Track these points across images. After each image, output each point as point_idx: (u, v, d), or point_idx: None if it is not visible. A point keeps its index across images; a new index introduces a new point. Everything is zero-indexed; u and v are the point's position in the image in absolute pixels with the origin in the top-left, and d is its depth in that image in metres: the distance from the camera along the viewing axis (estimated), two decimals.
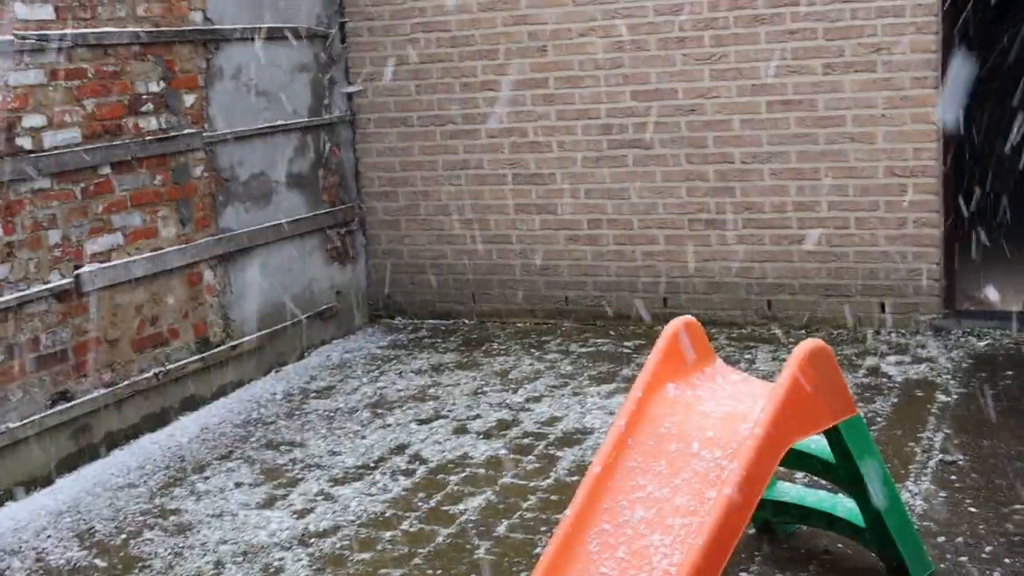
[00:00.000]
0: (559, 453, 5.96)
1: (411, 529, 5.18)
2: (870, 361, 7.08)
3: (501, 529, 5.11)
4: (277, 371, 7.75)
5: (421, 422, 6.58)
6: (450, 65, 8.47)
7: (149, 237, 6.85)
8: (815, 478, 5.20)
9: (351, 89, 8.70)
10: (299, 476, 5.91)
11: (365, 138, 8.81)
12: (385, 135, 8.75)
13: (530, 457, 5.93)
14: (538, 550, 4.82)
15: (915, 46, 7.37)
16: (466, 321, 8.67)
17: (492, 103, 8.41)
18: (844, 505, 4.54)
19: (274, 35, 7.86)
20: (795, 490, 4.72)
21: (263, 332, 7.70)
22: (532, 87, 8.29)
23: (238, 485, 5.84)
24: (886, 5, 7.39)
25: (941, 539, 4.74)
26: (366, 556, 4.95)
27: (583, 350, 7.76)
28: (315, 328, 8.23)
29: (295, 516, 5.41)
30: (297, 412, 6.91)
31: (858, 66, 7.51)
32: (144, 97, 6.82)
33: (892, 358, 7.12)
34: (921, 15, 7.33)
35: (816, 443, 4.36)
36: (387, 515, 5.35)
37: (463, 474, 5.77)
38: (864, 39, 7.46)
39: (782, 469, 4.93)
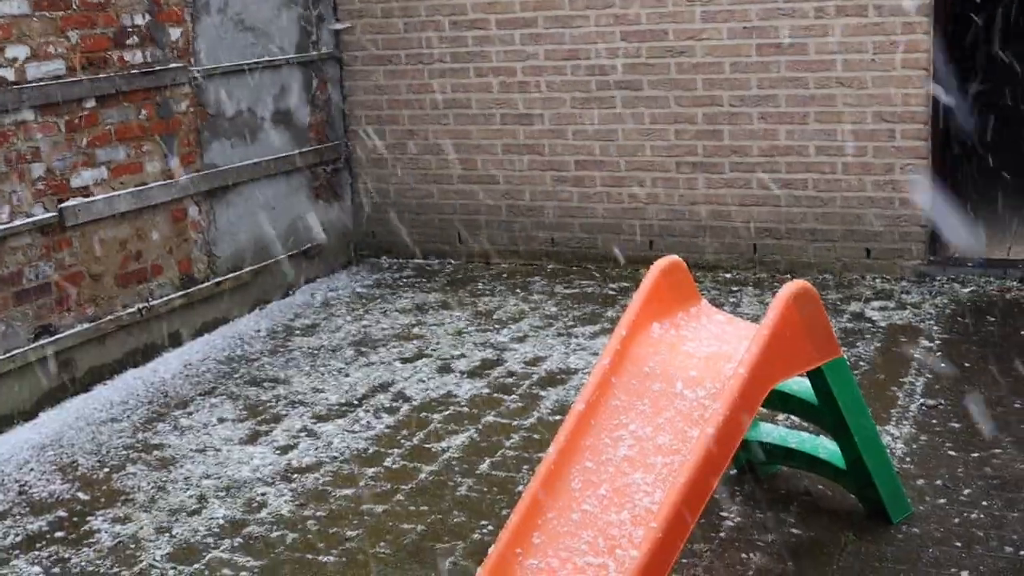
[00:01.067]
0: (542, 393, 5.97)
1: (394, 466, 5.20)
2: (854, 306, 7.09)
3: (483, 467, 5.12)
4: (261, 308, 7.73)
5: (405, 360, 6.58)
6: (438, 3, 8.39)
7: (134, 172, 6.80)
8: (797, 419, 5.23)
9: (338, 26, 8.62)
10: (282, 412, 5.91)
11: (352, 76, 8.74)
12: (372, 73, 8.68)
13: (513, 396, 5.94)
14: (520, 488, 4.84)
15: None
16: (451, 261, 8.66)
17: (481, 42, 8.35)
18: (825, 447, 4.56)
19: None
20: (777, 431, 4.74)
21: (248, 269, 7.67)
22: (521, 26, 8.22)
23: (221, 421, 5.85)
24: None
25: (920, 482, 4.77)
26: (348, 492, 4.96)
27: (568, 291, 7.76)
28: (300, 266, 8.20)
29: (278, 452, 5.42)
30: (281, 349, 6.91)
31: (849, 10, 7.46)
32: (129, 30, 6.75)
33: (876, 303, 7.13)
34: None
35: (799, 384, 4.37)
36: (370, 452, 5.36)
37: (446, 412, 5.78)
38: None
39: (764, 410, 4.95)
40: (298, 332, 7.22)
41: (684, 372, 3.96)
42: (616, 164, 8.18)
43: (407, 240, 8.78)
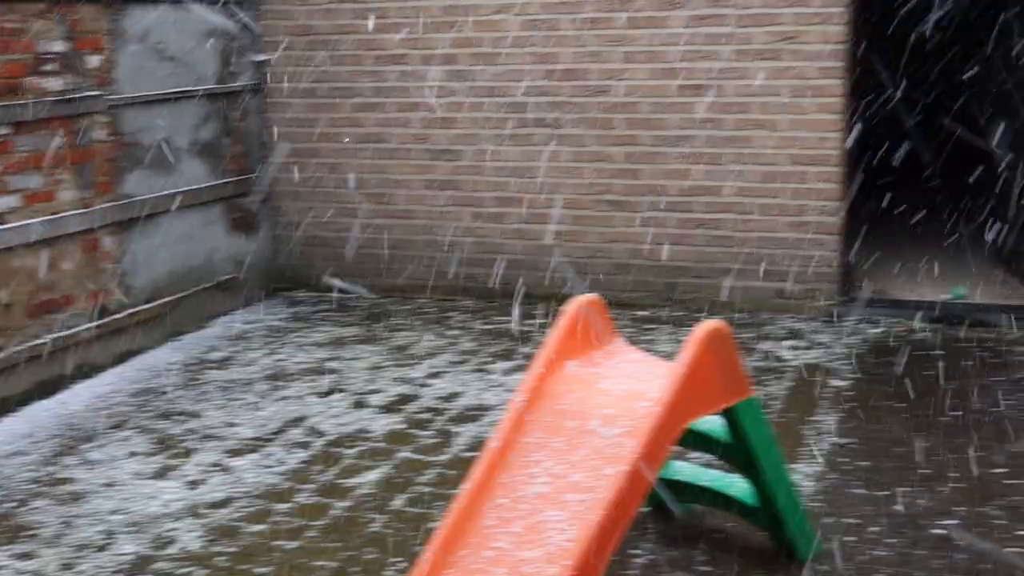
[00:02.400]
0: (457, 429, 5.96)
1: (306, 502, 5.15)
2: (767, 345, 7.18)
3: (397, 503, 5.10)
4: (176, 341, 7.64)
5: (320, 395, 6.54)
6: (363, 37, 8.40)
7: (48, 200, 6.70)
8: (709, 457, 5.27)
9: (260, 57, 8.59)
10: (194, 447, 5.84)
11: (273, 108, 8.70)
12: (293, 105, 8.66)
13: (428, 432, 5.93)
14: (433, 524, 4.82)
15: (823, 36, 7.47)
16: (370, 296, 8.63)
17: (403, 77, 8.36)
18: (737, 485, 4.60)
19: None
20: (689, 469, 4.78)
21: (162, 301, 7.59)
22: (443, 63, 8.25)
23: (131, 455, 5.76)
24: None
25: (829, 519, 4.83)
26: (260, 528, 4.91)
27: (485, 327, 7.77)
28: (216, 298, 8.13)
29: (188, 487, 5.35)
30: (194, 382, 6.83)
31: (766, 54, 7.59)
32: (47, 56, 6.67)
33: (788, 343, 7.23)
34: (830, 6, 7.42)
35: (712, 423, 4.41)
36: (282, 487, 5.31)
37: (360, 448, 5.75)
38: (774, 27, 7.55)
39: (677, 448, 4.99)
40: (212, 365, 7.14)
41: (599, 410, 3.98)
42: (535, 201, 8.22)
43: (325, 273, 8.74)
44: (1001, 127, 8.64)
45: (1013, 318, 7.45)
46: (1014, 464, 5.37)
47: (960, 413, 6.03)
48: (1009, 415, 5.98)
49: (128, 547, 4.77)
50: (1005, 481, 5.20)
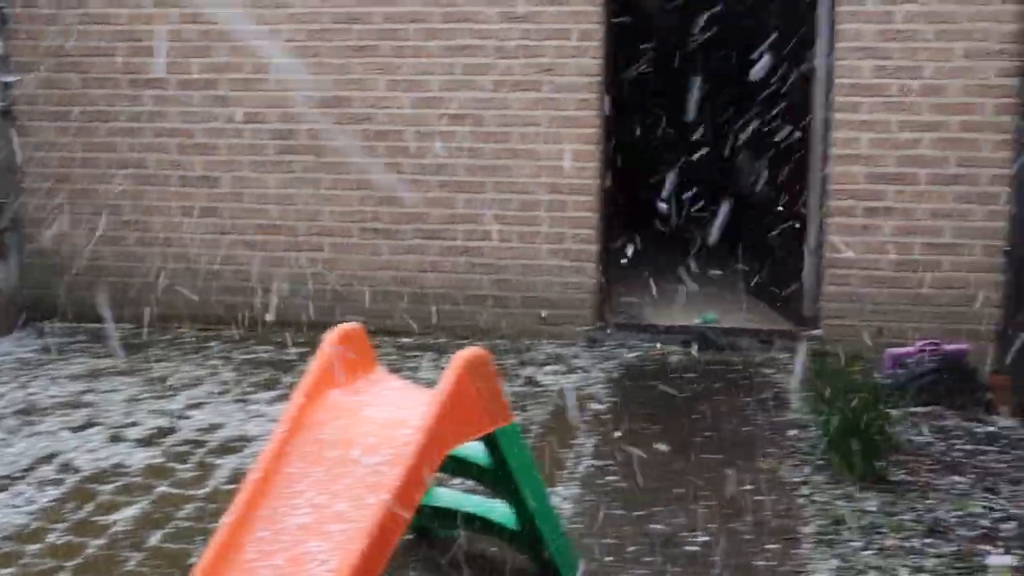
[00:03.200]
0: (218, 461, 5.85)
1: (58, 542, 4.96)
2: (528, 371, 7.31)
3: (155, 539, 4.96)
4: None
5: (74, 430, 6.31)
6: (117, 60, 8.19)
7: None
8: (472, 483, 5.32)
9: (9, 79, 8.26)
10: None
11: (23, 131, 8.38)
12: (45, 129, 8.36)
13: (188, 465, 5.80)
14: (193, 560, 4.72)
15: (579, 69, 7.68)
16: (126, 326, 8.39)
17: (159, 102, 8.19)
18: (499, 510, 4.66)
19: None
20: (452, 495, 4.82)
21: None
22: (202, 88, 8.12)
23: None
24: (554, 28, 7.67)
25: (588, 540, 4.95)
26: (7, 572, 4.70)
27: (246, 357, 7.66)
28: None
29: None
30: None
31: (525, 84, 7.76)
32: None
33: (549, 368, 7.38)
34: (586, 40, 7.65)
35: (473, 449, 4.46)
36: (32, 528, 5.10)
37: (117, 483, 5.57)
38: (532, 60, 7.72)
39: (440, 475, 5.02)
40: None
41: (361, 439, 3.98)
42: (296, 229, 8.16)
43: (79, 303, 8.45)
44: (745, 160, 9.06)
45: (758, 341, 7.80)
46: (761, 481, 5.62)
47: (711, 433, 6.27)
48: (756, 434, 6.26)
49: None
50: (755, 497, 5.43)
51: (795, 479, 5.62)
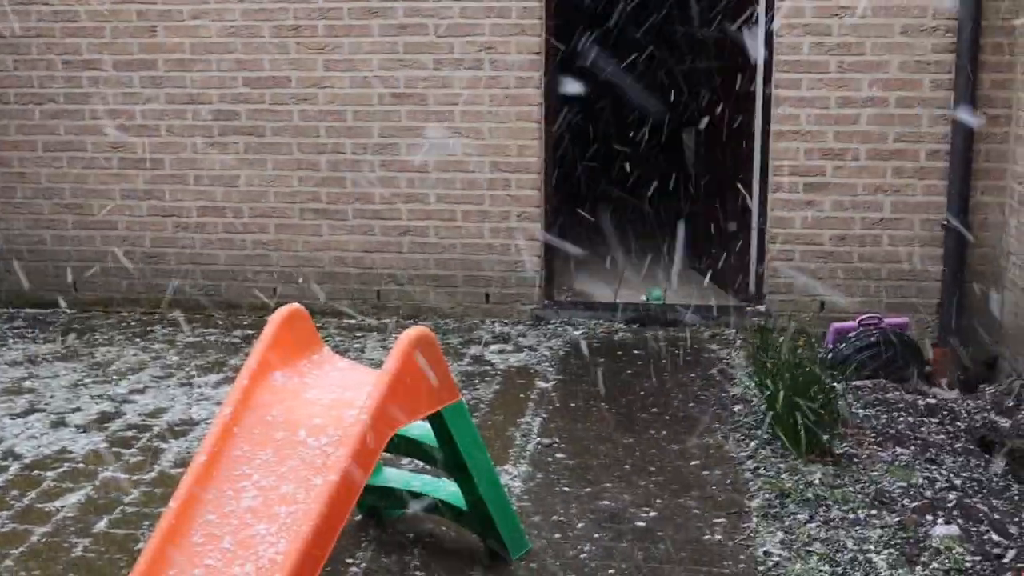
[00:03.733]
0: (164, 445, 5.81)
1: (2, 529, 4.90)
2: (474, 350, 7.31)
3: (101, 525, 4.92)
4: None
5: (15, 416, 6.24)
6: (52, 41, 8.07)
7: None
8: (420, 463, 5.33)
9: None
10: None
11: None
12: None
13: (133, 450, 5.75)
14: (140, 545, 4.69)
15: (520, 47, 7.67)
16: (67, 310, 8.29)
17: (97, 83, 8.08)
18: (447, 489, 4.67)
19: None
20: (400, 475, 4.82)
21: None
22: (141, 68, 8.02)
23: None
24: (494, 6, 7.65)
25: (537, 518, 4.96)
26: None
27: (191, 340, 7.60)
28: None
29: None
30: None
31: (467, 63, 7.73)
32: None
33: (495, 347, 7.39)
34: (527, 18, 7.63)
35: (420, 428, 4.46)
36: None
37: (61, 469, 5.51)
38: (473, 38, 7.69)
39: (388, 455, 5.02)
40: None
41: (307, 420, 3.97)
42: (239, 210, 8.10)
43: (17, 288, 8.34)
44: (694, 136, 9.10)
45: (703, 317, 7.85)
46: (707, 456, 5.66)
47: (658, 409, 6.31)
48: (703, 410, 6.31)
49: None
50: (702, 473, 5.47)
51: (741, 453, 5.67)
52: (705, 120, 8.67)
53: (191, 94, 8.01)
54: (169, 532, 3.80)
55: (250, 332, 7.69)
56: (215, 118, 8.02)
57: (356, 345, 7.40)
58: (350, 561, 4.60)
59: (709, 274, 8.69)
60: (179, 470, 5.41)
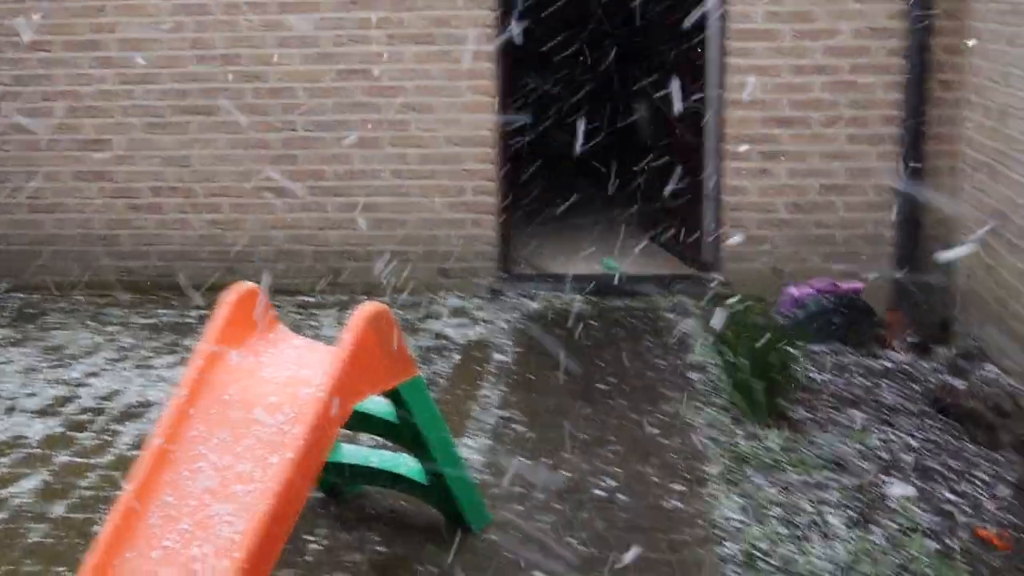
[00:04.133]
0: (120, 428, 5.76)
1: None
2: (432, 324, 7.30)
3: (58, 510, 4.88)
4: None
5: None
6: None
7: None
8: (379, 439, 5.32)
9: None
10: None
11: None
12: None
13: (89, 433, 5.70)
14: (98, 528, 4.65)
15: (474, 21, 7.62)
16: (18, 295, 8.19)
17: (46, 65, 7.97)
18: (407, 464, 4.66)
19: None
20: (360, 451, 4.81)
21: None
22: (89, 49, 7.92)
23: None
24: None
25: (497, 491, 4.97)
26: None
27: (145, 321, 7.54)
28: None
29: None
30: None
31: (419, 38, 7.69)
32: None
33: (453, 321, 7.38)
34: None
35: (378, 404, 4.45)
36: None
37: (16, 455, 5.46)
38: (426, 12, 7.64)
39: (347, 432, 5.01)
40: None
41: (263, 399, 3.94)
42: (192, 190, 8.03)
43: None
44: (648, 107, 9.09)
45: (660, 287, 7.87)
46: (666, 424, 5.69)
47: (616, 379, 6.32)
48: (661, 378, 6.33)
49: None
50: (661, 441, 5.49)
51: (699, 421, 5.69)
52: (659, 91, 8.67)
53: (141, 74, 7.92)
54: (126, 515, 3.78)
55: (205, 312, 7.62)
56: (166, 97, 7.94)
57: (313, 323, 7.37)
58: (310, 538, 4.59)
59: (666, 244, 8.71)
60: (136, 453, 5.37)
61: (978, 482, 4.96)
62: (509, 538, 4.57)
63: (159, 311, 7.77)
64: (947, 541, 4.46)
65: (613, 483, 5.05)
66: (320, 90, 7.80)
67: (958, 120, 7.29)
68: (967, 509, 4.71)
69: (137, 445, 5.50)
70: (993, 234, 6.50)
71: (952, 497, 4.82)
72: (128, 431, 5.72)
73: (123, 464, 5.28)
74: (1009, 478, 4.92)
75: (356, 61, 7.74)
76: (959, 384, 6.31)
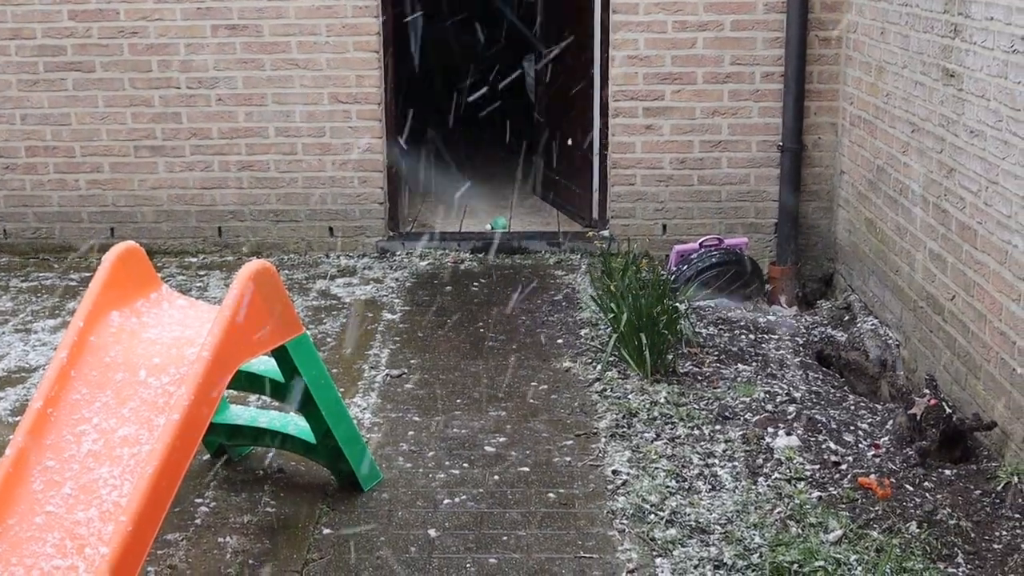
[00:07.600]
0: (0, 394, 5.63)
1: None
2: (320, 284, 7.24)
3: None
4: None
5: None
6: None
7: None
8: (267, 399, 5.27)
9: None
10: None
11: None
12: None
13: None
14: None
15: None
16: None
17: None
18: (295, 424, 4.63)
19: None
20: (247, 412, 4.76)
21: None
22: None
23: None
24: None
25: (388, 449, 4.96)
26: None
27: (25, 284, 7.36)
28: None
29: None
30: None
31: None
32: None
33: (341, 280, 7.32)
34: None
35: (266, 364, 4.41)
36: None
37: None
38: None
39: (235, 392, 4.96)
40: None
41: (147, 360, 3.88)
42: (71, 150, 7.84)
43: None
44: (535, 64, 9.08)
45: (548, 244, 7.90)
46: (555, 380, 5.72)
47: (505, 337, 6.34)
48: (549, 334, 6.36)
49: None
50: (551, 396, 5.53)
51: (588, 376, 5.74)
52: (546, 48, 8.67)
53: (12, 29, 7.68)
54: (6, 481, 3.69)
55: (87, 275, 7.47)
56: (39, 54, 7.71)
57: (199, 284, 7.26)
58: (199, 501, 4.55)
59: (553, 201, 8.73)
60: (17, 418, 5.26)
61: (860, 432, 5.08)
62: (400, 496, 4.57)
63: (39, 274, 7.58)
64: (831, 490, 4.56)
65: (503, 439, 5.08)
66: (201, 46, 7.65)
67: (838, 76, 7.40)
68: (849, 459, 4.82)
69: (18, 411, 5.38)
70: (873, 188, 6.63)
71: (835, 446, 4.92)
72: (8, 396, 5.59)
73: (4, 430, 5.17)
74: (889, 428, 5.05)
75: (237, 16, 7.60)
76: (841, 336, 6.45)
